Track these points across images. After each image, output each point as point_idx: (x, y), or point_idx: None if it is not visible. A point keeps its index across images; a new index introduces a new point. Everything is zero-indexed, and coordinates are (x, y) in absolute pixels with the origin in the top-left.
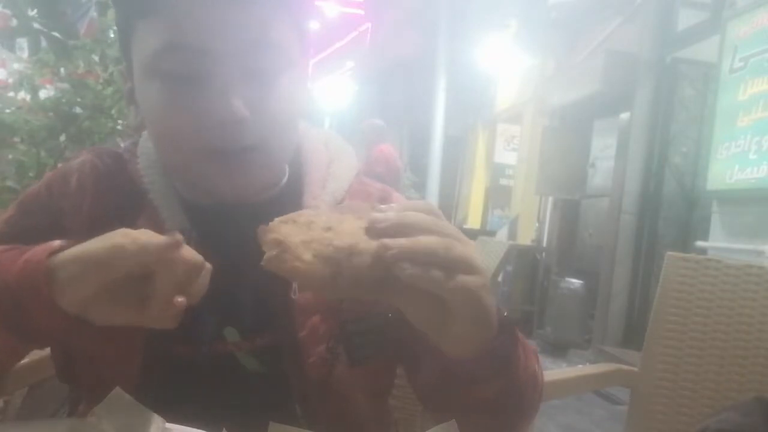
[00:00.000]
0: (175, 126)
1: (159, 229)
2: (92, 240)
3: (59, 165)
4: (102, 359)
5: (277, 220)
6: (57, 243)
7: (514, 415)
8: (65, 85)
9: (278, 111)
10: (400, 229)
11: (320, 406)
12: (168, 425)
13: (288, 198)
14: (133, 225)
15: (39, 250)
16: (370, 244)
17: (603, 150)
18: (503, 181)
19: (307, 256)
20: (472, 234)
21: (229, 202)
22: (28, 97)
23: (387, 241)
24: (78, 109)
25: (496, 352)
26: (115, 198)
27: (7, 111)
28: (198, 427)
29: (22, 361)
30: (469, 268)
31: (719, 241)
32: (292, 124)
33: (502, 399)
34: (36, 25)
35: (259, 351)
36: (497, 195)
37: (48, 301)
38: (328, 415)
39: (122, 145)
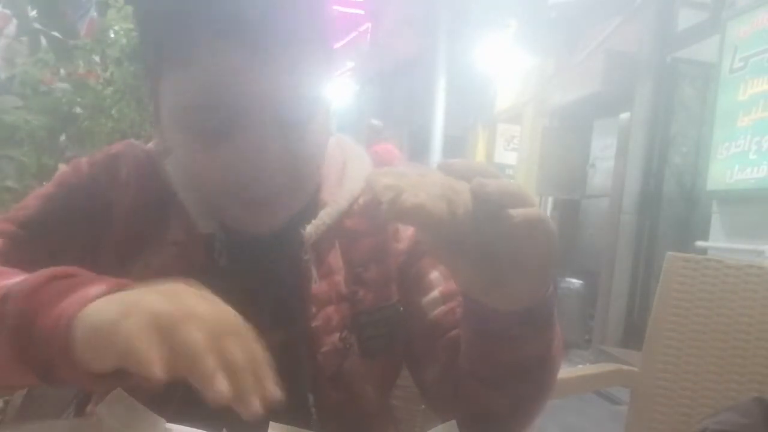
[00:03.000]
0: (204, 175)
1: (190, 230)
2: (126, 307)
3: (67, 162)
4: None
5: (373, 174)
6: (93, 291)
7: (539, 385)
8: (65, 85)
9: (310, 156)
10: (475, 174)
11: (331, 395)
12: (168, 425)
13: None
14: (165, 225)
15: (74, 301)
16: (465, 184)
17: (603, 150)
18: None
19: (423, 195)
20: None
21: None
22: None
23: (482, 179)
24: (78, 109)
25: (542, 307)
26: (150, 196)
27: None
28: (205, 423)
29: None
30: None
31: (719, 241)
32: (320, 161)
33: (533, 364)
34: (36, 25)
35: (271, 345)
36: None
37: (72, 362)
38: (339, 405)
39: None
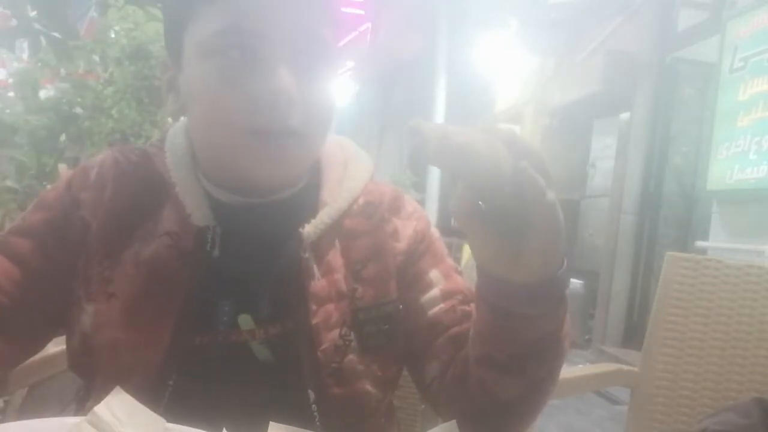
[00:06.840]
0: (224, 104)
1: (184, 222)
2: None
3: (67, 162)
4: (127, 348)
5: (415, 120)
6: None
7: (550, 368)
8: (65, 86)
9: (322, 100)
10: (509, 136)
11: (332, 392)
12: (168, 425)
13: (307, 195)
14: (157, 216)
15: None
16: (498, 140)
17: (603, 150)
18: None
19: (470, 137)
20: None
21: (255, 193)
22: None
23: (516, 134)
24: (78, 109)
25: (555, 283)
26: (139, 190)
27: (7, 111)
28: (205, 420)
29: None
30: (551, 185)
31: (719, 241)
32: (330, 115)
33: (547, 343)
34: (36, 26)
35: (271, 340)
36: None
37: None
38: (340, 401)
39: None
